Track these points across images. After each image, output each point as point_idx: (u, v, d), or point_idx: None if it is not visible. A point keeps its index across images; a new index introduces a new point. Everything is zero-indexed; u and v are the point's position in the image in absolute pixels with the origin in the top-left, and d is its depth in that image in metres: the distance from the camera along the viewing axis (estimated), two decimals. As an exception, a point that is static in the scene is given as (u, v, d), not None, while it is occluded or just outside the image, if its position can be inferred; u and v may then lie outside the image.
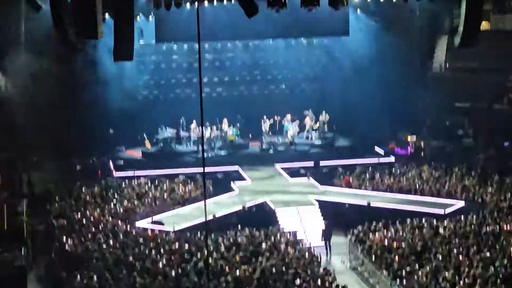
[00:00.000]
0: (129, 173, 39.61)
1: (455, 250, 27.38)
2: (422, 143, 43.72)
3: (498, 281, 24.15)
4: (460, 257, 26.68)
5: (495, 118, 42.19)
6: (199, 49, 29.73)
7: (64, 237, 29.63)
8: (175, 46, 46.37)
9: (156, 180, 38.16)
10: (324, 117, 45.09)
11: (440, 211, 33.29)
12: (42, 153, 41.36)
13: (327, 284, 25.05)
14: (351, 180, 38.33)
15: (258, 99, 47.17)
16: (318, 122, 45.30)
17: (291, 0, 25.21)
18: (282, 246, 28.74)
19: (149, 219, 33.08)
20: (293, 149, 44.32)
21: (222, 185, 38.12)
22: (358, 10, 43.88)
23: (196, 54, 45.81)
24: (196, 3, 30.33)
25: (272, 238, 29.87)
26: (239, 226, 31.54)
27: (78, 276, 25.48)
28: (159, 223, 32.55)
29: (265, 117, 44.72)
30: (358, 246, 30.03)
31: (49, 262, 27.86)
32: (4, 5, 37.40)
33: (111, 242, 29.13)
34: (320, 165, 40.89)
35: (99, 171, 40.43)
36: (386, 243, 29.01)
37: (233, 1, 35.23)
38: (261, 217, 34.09)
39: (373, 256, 28.30)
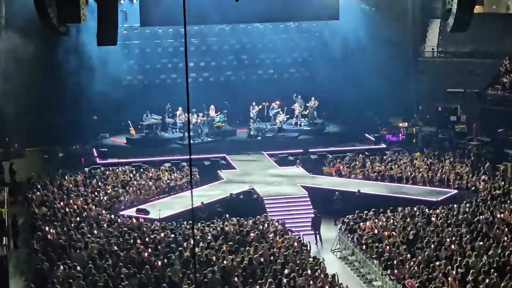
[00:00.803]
0: (113, 161, 38.87)
1: (447, 239, 26.82)
2: (414, 130, 43.28)
3: (492, 270, 23.57)
4: (453, 246, 26.13)
5: (488, 103, 41.66)
6: (185, 33, 28.79)
7: (47, 226, 28.90)
8: (160, 30, 45.47)
9: (141, 168, 37.47)
10: (313, 103, 44.45)
11: (433, 199, 32.76)
12: (23, 140, 40.80)
13: (316, 274, 24.47)
14: (341, 168, 37.78)
15: (246, 84, 46.44)
16: (307, 108, 44.64)
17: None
18: (271, 235, 28.14)
19: (134, 208, 32.45)
20: (281, 136, 43.67)
21: (209, 172, 37.54)
22: (349, -6, 43.19)
23: (182, 38, 44.94)
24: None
25: (260, 227, 29.25)
26: (227, 214, 30.88)
27: (61, 266, 24.80)
28: (144, 211, 31.89)
29: (254, 103, 43.97)
30: (348, 235, 29.49)
31: (31, 252, 27.17)
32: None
33: (94, 231, 28.45)
34: (309, 152, 40.29)
35: (82, 159, 39.86)
36: (377, 232, 28.46)
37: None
38: (248, 205, 33.53)
39: (364, 245, 27.77)
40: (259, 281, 23.53)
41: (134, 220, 30.36)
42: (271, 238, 27.87)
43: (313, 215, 31.97)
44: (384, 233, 28.23)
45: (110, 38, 21.66)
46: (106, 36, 21.57)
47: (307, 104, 44.60)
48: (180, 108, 42.45)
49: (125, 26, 42.76)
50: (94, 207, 31.86)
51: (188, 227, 29.24)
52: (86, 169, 37.54)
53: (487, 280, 22.90)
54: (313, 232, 31.34)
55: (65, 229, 28.71)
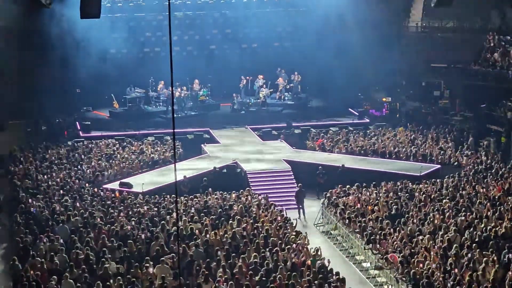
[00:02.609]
0: (96, 134, 38.69)
1: (430, 214, 26.88)
2: (397, 104, 43.23)
3: (473, 244, 23.67)
4: (435, 220, 26.19)
5: (472, 79, 41.65)
6: (169, 5, 28.69)
7: (29, 199, 28.76)
8: (143, 4, 45.05)
9: (124, 142, 37.34)
10: (296, 77, 44.32)
11: (416, 174, 32.76)
12: (5, 113, 40.48)
13: (299, 248, 24.49)
14: (324, 142, 37.73)
15: (230, 58, 46.11)
16: (291, 82, 44.51)
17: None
18: (254, 209, 28.09)
19: (117, 181, 32.31)
20: (265, 110, 43.55)
21: (192, 146, 37.38)
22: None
23: (166, 11, 44.52)
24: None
25: (244, 201, 29.20)
26: (210, 188, 30.78)
27: (44, 239, 24.74)
28: (127, 185, 31.76)
29: (242, 77, 43.81)
30: (331, 209, 29.50)
31: (14, 225, 27.02)
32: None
33: (77, 204, 28.30)
34: (293, 126, 40.24)
35: (65, 132, 39.59)
36: (360, 207, 28.49)
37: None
38: (232, 179, 33.50)
39: (347, 219, 27.76)
40: (242, 255, 23.56)
41: (117, 194, 30.31)
42: (254, 212, 27.85)
43: (297, 189, 31.96)
44: (367, 208, 28.29)
45: (93, 11, 21.54)
46: (90, 8, 21.48)
47: (290, 79, 44.47)
48: (162, 82, 42.24)
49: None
50: (77, 180, 31.76)
51: (171, 200, 29.18)
52: (69, 142, 37.38)
53: (469, 255, 23.03)
54: (296, 206, 31.36)
55: (48, 202, 28.64)
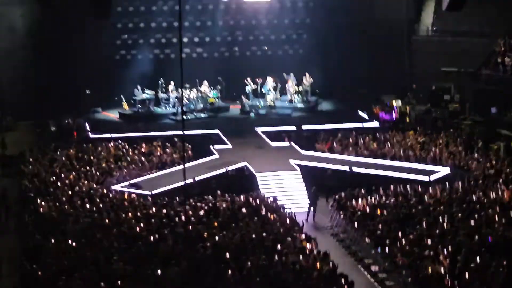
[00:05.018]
0: (106, 135, 38.70)
1: (440, 218, 26.79)
2: (407, 108, 43.11)
3: (483, 249, 23.60)
4: (445, 225, 26.11)
5: (482, 83, 41.56)
6: (180, 8, 28.81)
7: (38, 200, 28.80)
8: (154, 7, 45.11)
9: (134, 143, 37.32)
10: (307, 80, 44.28)
11: (425, 178, 32.69)
12: (15, 113, 40.62)
13: (308, 251, 24.45)
14: (334, 145, 37.66)
15: (240, 60, 46.19)
16: (300, 85, 44.50)
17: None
18: (262, 212, 28.05)
19: (126, 183, 32.31)
20: (274, 113, 43.53)
21: (201, 148, 37.32)
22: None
23: (176, 14, 44.63)
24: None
25: (252, 203, 29.17)
26: (219, 191, 30.77)
27: (53, 240, 24.77)
28: (136, 186, 31.80)
29: (248, 79, 43.83)
30: (340, 213, 29.43)
31: (23, 225, 27.09)
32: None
33: (87, 205, 28.34)
34: (302, 129, 40.18)
35: (74, 133, 39.58)
36: (368, 210, 28.42)
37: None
38: (241, 182, 33.45)
39: (356, 223, 27.69)
40: (251, 258, 23.51)
41: (126, 195, 30.32)
42: (263, 214, 27.82)
43: (309, 192, 31.85)
44: (376, 211, 28.22)
45: (104, 12, 21.82)
46: (101, 9, 21.69)
47: (300, 81, 44.45)
48: (172, 83, 42.30)
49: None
50: (86, 181, 31.78)
51: (180, 202, 29.18)
52: (79, 143, 37.38)
53: (478, 259, 22.95)
54: (307, 209, 31.31)
55: (57, 203, 28.67)
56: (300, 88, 44.47)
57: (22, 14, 38.60)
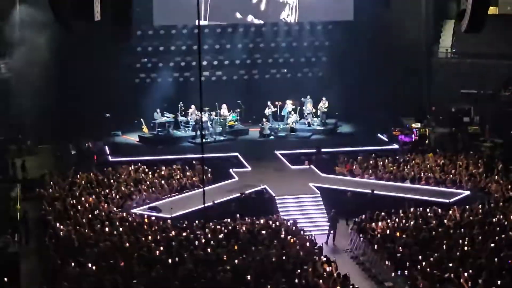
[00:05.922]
0: (126, 159, 38.82)
1: (460, 240, 26.68)
2: (426, 130, 42.98)
3: (504, 272, 23.46)
4: (465, 247, 25.98)
5: (502, 105, 41.45)
6: (199, 31, 28.96)
7: (58, 223, 28.91)
8: (173, 31, 45.37)
9: (153, 166, 37.41)
10: (325, 103, 44.30)
11: (445, 200, 32.59)
12: (36, 137, 40.85)
13: (328, 274, 24.38)
14: (353, 168, 37.60)
15: (259, 83, 46.33)
16: (319, 108, 44.54)
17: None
18: (282, 235, 28.01)
19: (146, 206, 32.40)
20: (294, 136, 43.57)
21: (221, 171, 37.34)
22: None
23: (195, 37, 44.85)
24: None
25: (272, 226, 29.14)
26: (238, 214, 30.77)
27: (73, 263, 24.80)
28: (156, 209, 31.84)
29: (269, 102, 43.93)
30: (360, 235, 29.36)
31: (43, 249, 27.18)
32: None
33: (106, 229, 28.40)
34: (322, 152, 40.14)
35: (94, 156, 39.68)
36: (389, 233, 28.31)
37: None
38: (260, 205, 33.41)
39: (376, 245, 27.60)
40: (270, 281, 23.45)
41: (146, 218, 30.37)
42: (282, 237, 27.79)
43: (329, 215, 31.82)
44: (396, 234, 28.12)
45: (126, 37, 22.36)
46: (123, 35, 22.10)
47: (319, 104, 44.49)
48: (192, 106, 42.46)
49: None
50: (106, 204, 31.87)
51: (199, 225, 29.20)
52: (99, 167, 37.49)
53: (499, 282, 22.79)
54: (327, 232, 31.24)
55: (77, 226, 28.76)
56: (319, 111, 44.50)
57: (44, 38, 38.86)
